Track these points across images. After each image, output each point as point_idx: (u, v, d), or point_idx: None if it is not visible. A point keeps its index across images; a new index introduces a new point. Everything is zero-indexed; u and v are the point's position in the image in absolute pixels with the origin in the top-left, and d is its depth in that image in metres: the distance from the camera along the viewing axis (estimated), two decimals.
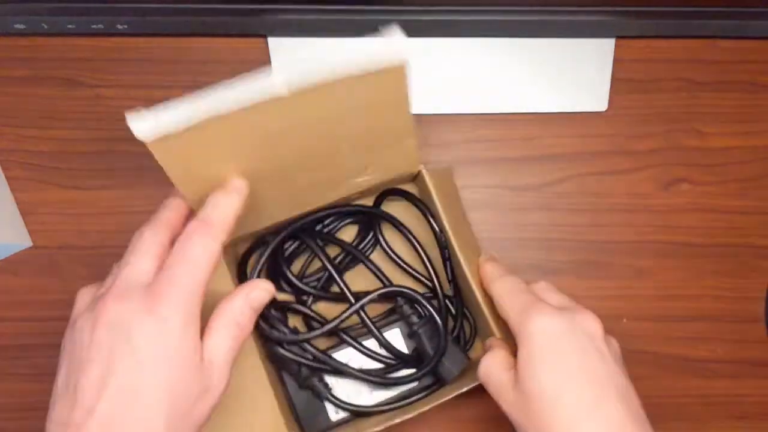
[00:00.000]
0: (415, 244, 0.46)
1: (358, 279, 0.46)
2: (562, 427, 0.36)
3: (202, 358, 0.33)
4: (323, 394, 0.44)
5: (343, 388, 0.45)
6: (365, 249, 0.47)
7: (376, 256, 0.47)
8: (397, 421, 0.42)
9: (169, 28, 0.48)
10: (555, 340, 0.37)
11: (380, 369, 0.45)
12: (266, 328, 0.43)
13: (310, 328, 0.45)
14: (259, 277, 0.43)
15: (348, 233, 0.48)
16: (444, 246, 0.45)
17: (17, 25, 0.47)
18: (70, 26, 0.47)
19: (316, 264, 0.47)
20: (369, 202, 0.47)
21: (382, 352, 0.45)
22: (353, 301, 0.44)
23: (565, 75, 0.50)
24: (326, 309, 0.46)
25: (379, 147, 0.41)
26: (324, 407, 0.45)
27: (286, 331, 0.44)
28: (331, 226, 0.47)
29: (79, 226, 0.50)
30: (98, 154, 0.50)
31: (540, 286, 0.42)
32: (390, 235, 0.47)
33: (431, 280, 0.45)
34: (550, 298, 0.41)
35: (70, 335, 0.34)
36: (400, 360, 0.45)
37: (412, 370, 0.45)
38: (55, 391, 0.33)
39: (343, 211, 0.46)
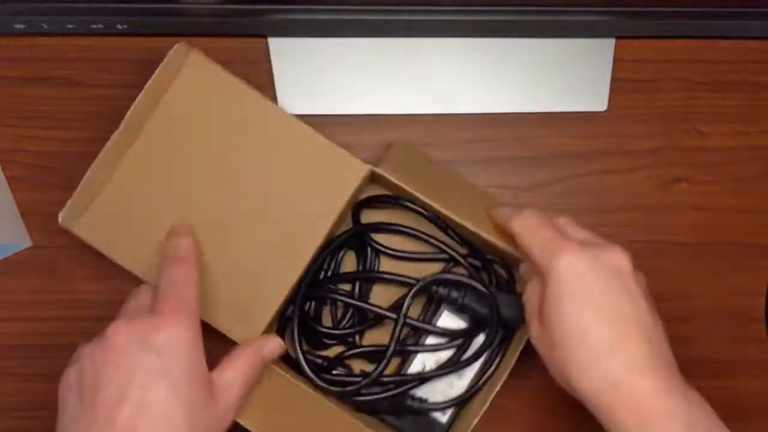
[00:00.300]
0: (409, 231, 0.46)
1: (385, 293, 0.47)
2: (582, 364, 0.35)
3: (212, 381, 0.37)
4: (423, 408, 0.45)
5: (435, 390, 0.46)
6: (372, 266, 0.47)
7: (387, 264, 0.48)
8: (498, 388, 0.43)
9: (169, 28, 0.48)
10: (580, 279, 0.36)
11: (454, 355, 0.46)
12: (339, 389, 0.44)
13: (377, 362, 0.45)
14: (301, 346, 0.45)
15: (350, 261, 0.48)
16: (434, 219, 0.46)
17: (17, 25, 0.47)
18: (70, 26, 0.47)
19: (342, 306, 0.48)
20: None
21: (445, 340, 0.46)
22: (394, 316, 0.44)
23: (565, 75, 0.50)
24: (377, 336, 0.47)
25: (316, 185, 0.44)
26: (432, 418, 0.46)
27: (358, 379, 0.45)
28: (332, 265, 0.47)
29: None
30: (98, 154, 0.50)
31: (562, 221, 0.41)
32: (386, 238, 0.48)
33: (446, 252, 0.46)
34: (574, 233, 0.40)
35: (76, 368, 0.36)
36: (465, 336, 0.45)
37: (481, 339, 0.45)
38: (66, 424, 0.35)
39: (331, 248, 0.46)
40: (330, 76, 0.50)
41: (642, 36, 0.51)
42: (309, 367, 0.44)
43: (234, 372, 0.39)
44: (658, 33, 0.50)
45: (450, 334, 0.45)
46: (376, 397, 0.45)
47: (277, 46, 0.49)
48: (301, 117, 0.50)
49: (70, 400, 0.35)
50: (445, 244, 0.46)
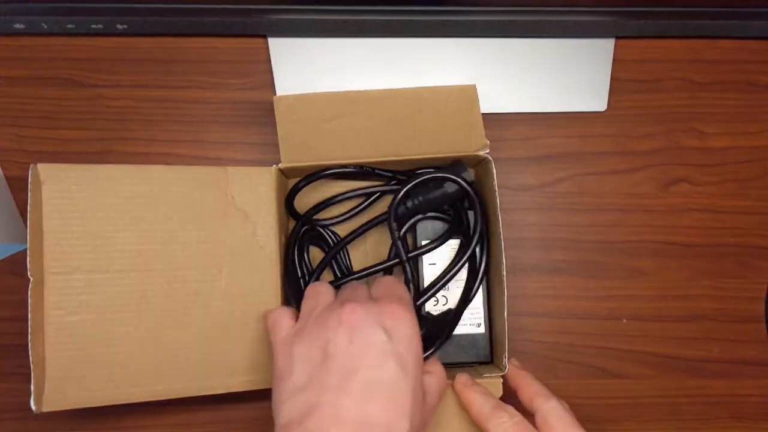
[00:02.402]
0: (345, 196, 0.48)
1: (363, 258, 0.49)
2: None
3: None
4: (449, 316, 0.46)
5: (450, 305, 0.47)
6: (336, 239, 0.48)
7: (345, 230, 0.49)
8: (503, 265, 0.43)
9: (169, 28, 0.48)
10: None
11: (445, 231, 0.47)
12: None
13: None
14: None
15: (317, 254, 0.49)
16: (356, 172, 0.46)
17: (17, 25, 0.47)
18: (70, 26, 0.47)
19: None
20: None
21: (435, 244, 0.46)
22: (398, 260, 0.45)
23: (565, 75, 0.50)
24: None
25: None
26: (471, 337, 0.47)
27: None
28: (304, 268, 0.48)
29: None
30: (98, 154, 0.50)
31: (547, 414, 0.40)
32: (330, 213, 0.49)
33: (387, 187, 0.48)
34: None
35: (307, 338, 0.37)
36: (451, 231, 0.46)
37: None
38: (292, 384, 0.36)
39: (293, 255, 0.47)
40: (329, 76, 0.50)
41: (642, 36, 0.51)
42: None
43: (435, 379, 0.40)
44: (658, 33, 0.50)
45: (439, 239, 0.46)
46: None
47: (277, 46, 0.49)
48: None
49: (297, 365, 0.36)
50: (383, 184, 0.47)
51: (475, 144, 0.45)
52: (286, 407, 0.35)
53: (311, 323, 0.38)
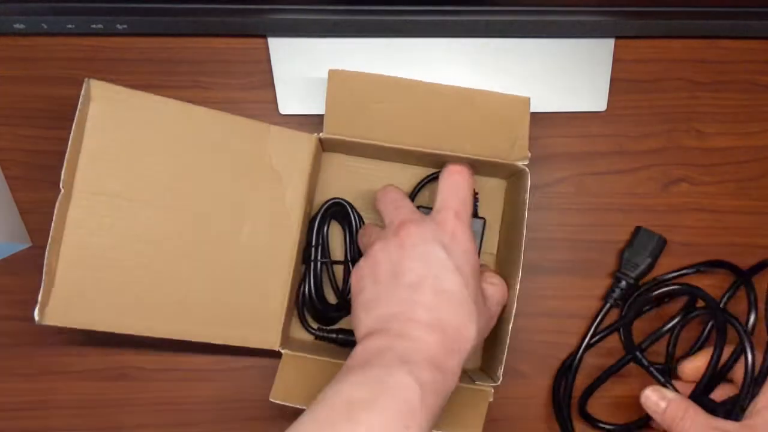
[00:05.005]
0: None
1: None
2: None
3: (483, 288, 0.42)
4: None
5: None
6: (359, 225, 0.49)
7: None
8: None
9: (169, 28, 0.48)
10: None
11: None
12: None
13: None
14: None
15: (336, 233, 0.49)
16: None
17: (17, 25, 0.47)
18: (70, 26, 0.47)
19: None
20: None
21: None
22: None
23: (565, 75, 0.50)
24: None
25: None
26: None
27: None
28: (320, 240, 0.48)
29: None
30: None
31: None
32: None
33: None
34: None
35: (370, 262, 0.40)
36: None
37: None
38: (365, 299, 0.40)
39: (315, 225, 0.47)
40: None
41: (642, 36, 0.51)
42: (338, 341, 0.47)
43: (496, 289, 0.43)
44: (658, 33, 0.50)
45: None
46: None
47: (277, 46, 0.49)
48: (301, 117, 0.50)
49: (368, 285, 0.40)
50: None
51: (517, 154, 0.45)
52: (363, 321, 0.39)
53: (376, 249, 0.40)
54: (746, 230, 0.51)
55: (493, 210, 0.50)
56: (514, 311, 0.43)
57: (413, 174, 0.49)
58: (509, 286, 0.44)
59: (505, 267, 0.47)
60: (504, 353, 0.43)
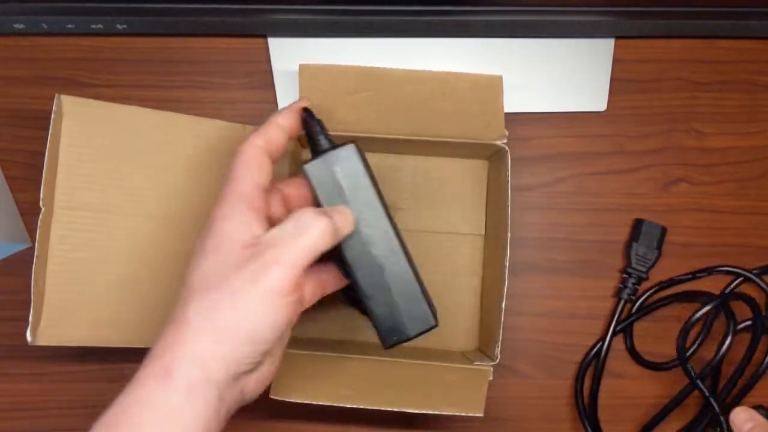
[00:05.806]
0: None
1: None
2: None
3: None
4: None
5: None
6: None
7: None
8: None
9: (169, 28, 0.48)
10: None
11: None
12: None
13: None
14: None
15: None
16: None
17: (17, 25, 0.47)
18: (70, 26, 0.47)
19: None
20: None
21: None
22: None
23: (565, 75, 0.50)
24: None
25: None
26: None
27: None
28: None
29: None
30: None
31: None
32: None
33: None
34: None
35: None
36: None
37: None
38: None
39: None
40: None
41: (642, 36, 0.51)
42: None
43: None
44: (657, 33, 0.50)
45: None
46: None
47: (277, 46, 0.49)
48: None
49: None
50: None
51: (494, 133, 0.45)
52: None
53: None
54: (746, 230, 0.51)
55: (477, 191, 0.50)
56: (505, 290, 0.43)
57: (392, 164, 0.49)
58: (499, 265, 0.44)
59: (493, 247, 0.47)
60: (500, 330, 0.43)
